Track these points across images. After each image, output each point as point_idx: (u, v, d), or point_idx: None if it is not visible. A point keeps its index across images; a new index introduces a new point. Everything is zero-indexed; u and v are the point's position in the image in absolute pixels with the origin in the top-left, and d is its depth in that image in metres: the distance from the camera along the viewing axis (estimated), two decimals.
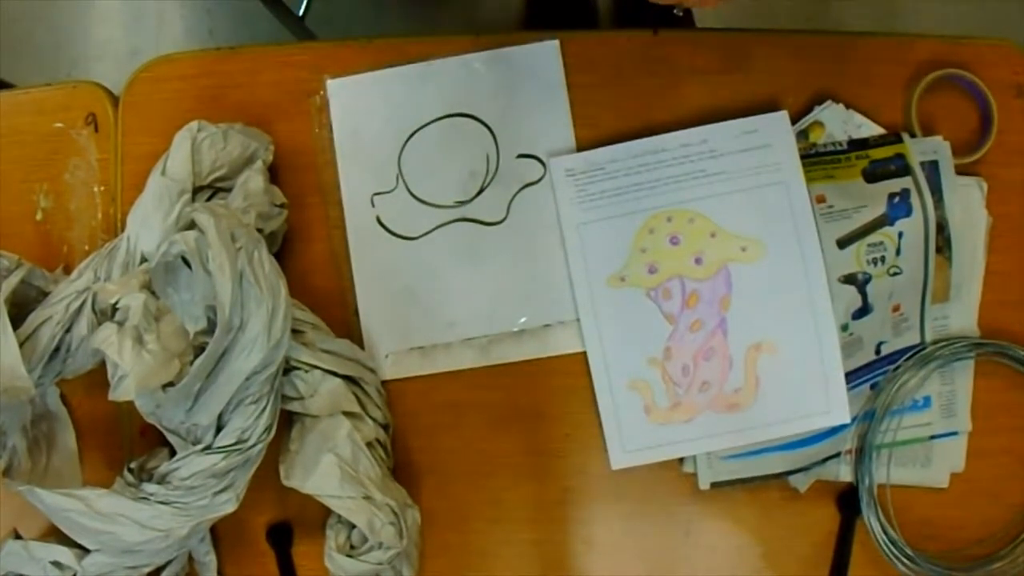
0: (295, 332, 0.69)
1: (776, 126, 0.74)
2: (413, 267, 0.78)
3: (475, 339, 0.77)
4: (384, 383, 0.76)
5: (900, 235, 0.73)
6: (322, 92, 0.79)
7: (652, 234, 0.75)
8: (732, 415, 0.74)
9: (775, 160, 0.74)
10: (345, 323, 0.77)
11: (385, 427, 0.74)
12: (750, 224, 0.74)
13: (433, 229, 0.78)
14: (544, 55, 0.79)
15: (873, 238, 0.73)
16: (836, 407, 0.73)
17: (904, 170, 0.74)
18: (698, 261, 0.74)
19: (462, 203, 0.78)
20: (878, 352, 0.75)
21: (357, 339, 0.76)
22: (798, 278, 0.73)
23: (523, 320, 0.77)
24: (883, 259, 0.73)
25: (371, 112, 0.79)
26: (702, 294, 0.74)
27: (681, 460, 0.76)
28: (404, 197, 0.78)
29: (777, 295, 0.73)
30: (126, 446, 0.78)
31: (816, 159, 0.76)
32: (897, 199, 0.73)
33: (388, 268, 0.78)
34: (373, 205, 0.78)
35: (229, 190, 0.73)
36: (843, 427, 0.75)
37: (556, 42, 0.79)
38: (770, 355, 0.74)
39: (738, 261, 0.74)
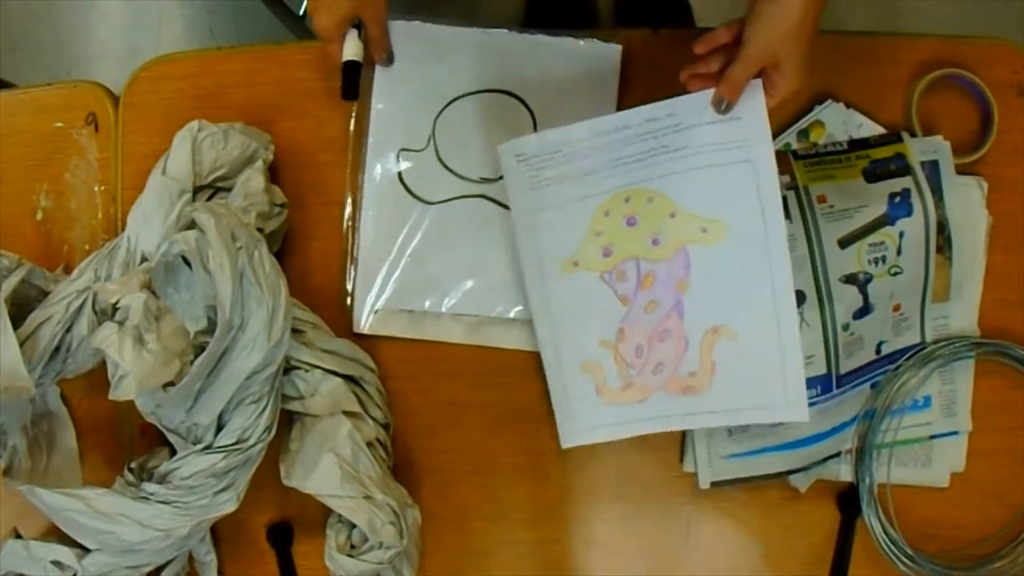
0: (295, 332, 0.69)
1: (749, 97, 0.66)
2: (423, 231, 0.77)
3: (466, 316, 0.77)
4: (381, 380, 0.76)
5: (901, 235, 0.73)
6: None
7: (608, 216, 0.72)
8: (686, 397, 0.71)
9: (744, 135, 0.67)
10: (344, 324, 0.77)
11: (385, 426, 0.74)
12: (712, 204, 0.69)
13: (452, 199, 0.77)
14: (604, 57, 0.77)
15: (874, 238, 0.73)
16: (794, 402, 0.69)
17: (904, 170, 0.74)
18: (655, 242, 0.71)
19: (487, 180, 0.77)
20: (879, 352, 0.75)
21: (345, 292, 0.77)
22: (760, 263, 0.69)
23: (518, 309, 0.76)
24: (884, 259, 0.73)
25: (420, 64, 0.78)
26: (658, 275, 0.71)
27: (681, 458, 0.76)
28: (431, 160, 0.78)
29: (738, 280, 0.69)
30: (126, 446, 0.78)
31: (817, 159, 0.75)
32: (898, 199, 0.73)
33: (397, 225, 0.77)
34: (398, 160, 0.78)
35: (229, 189, 0.73)
36: (843, 426, 0.75)
37: (619, 47, 0.77)
38: (729, 340, 0.70)
39: (698, 243, 0.70)
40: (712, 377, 0.71)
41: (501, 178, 0.75)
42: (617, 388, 0.73)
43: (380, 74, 0.78)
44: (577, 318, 0.73)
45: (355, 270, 0.77)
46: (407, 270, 0.77)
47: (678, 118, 0.67)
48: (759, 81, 0.65)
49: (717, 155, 0.68)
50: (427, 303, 0.77)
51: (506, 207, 0.76)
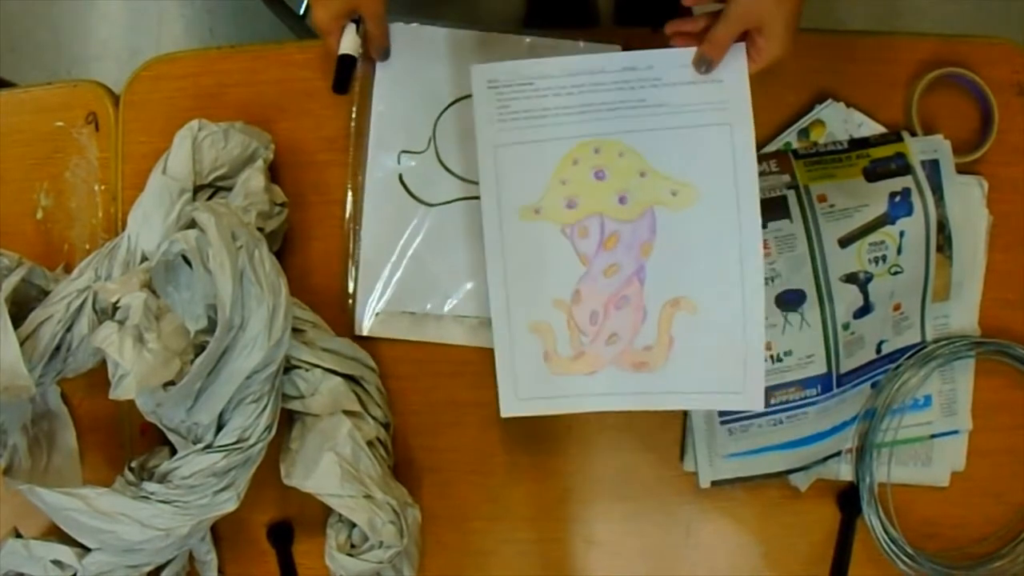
0: (296, 331, 0.69)
1: (731, 59, 0.65)
2: (424, 233, 0.77)
3: (467, 318, 0.77)
4: (381, 379, 0.76)
5: (901, 234, 0.73)
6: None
7: (576, 165, 0.68)
8: (638, 374, 0.68)
9: (723, 98, 0.66)
10: (345, 324, 0.77)
11: (386, 426, 0.74)
12: (685, 167, 0.67)
13: (453, 200, 0.77)
14: None
15: (874, 237, 0.73)
16: (752, 389, 0.67)
17: (905, 169, 0.74)
18: (622, 200, 0.68)
19: None
20: (879, 351, 0.75)
21: (345, 293, 0.77)
22: (730, 234, 0.66)
23: None
24: (884, 258, 0.73)
25: (420, 66, 0.78)
26: (622, 236, 0.68)
27: (681, 458, 0.76)
28: (432, 161, 0.78)
29: (705, 250, 0.67)
30: (127, 445, 0.78)
31: (817, 158, 0.76)
32: (898, 198, 0.73)
33: (398, 227, 0.77)
34: (399, 162, 0.78)
35: (230, 189, 0.73)
36: (844, 425, 0.75)
37: (617, 47, 0.77)
38: (689, 315, 0.67)
39: (666, 206, 0.68)
40: (669, 353, 0.68)
41: None
42: (567, 358, 0.69)
43: (380, 76, 0.78)
44: (532, 271, 0.69)
45: (356, 272, 0.77)
46: (408, 272, 0.77)
47: (657, 72, 0.67)
48: (742, 44, 0.66)
49: (695, 116, 0.67)
50: (428, 305, 0.77)
51: None
